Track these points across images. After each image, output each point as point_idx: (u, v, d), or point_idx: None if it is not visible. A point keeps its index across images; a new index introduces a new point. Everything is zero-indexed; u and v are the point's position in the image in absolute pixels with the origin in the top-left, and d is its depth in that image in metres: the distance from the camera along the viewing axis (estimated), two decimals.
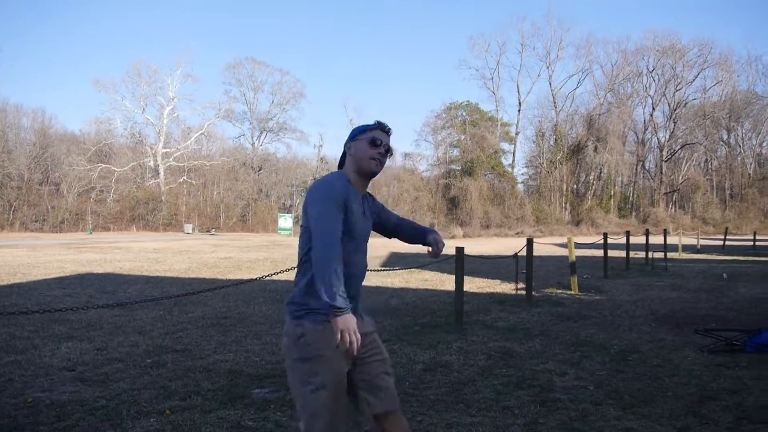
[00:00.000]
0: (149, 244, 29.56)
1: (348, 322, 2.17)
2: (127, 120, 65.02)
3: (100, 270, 14.93)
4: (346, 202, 2.33)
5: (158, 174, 61.57)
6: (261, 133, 71.67)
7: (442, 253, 2.72)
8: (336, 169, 2.56)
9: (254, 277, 5.62)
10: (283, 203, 67.64)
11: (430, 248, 2.68)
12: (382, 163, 2.47)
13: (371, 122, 2.54)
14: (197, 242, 33.18)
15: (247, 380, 4.86)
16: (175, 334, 6.82)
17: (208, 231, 54.43)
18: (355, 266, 2.42)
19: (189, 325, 7.39)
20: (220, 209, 62.93)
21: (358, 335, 2.19)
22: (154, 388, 4.61)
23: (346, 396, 2.38)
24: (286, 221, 52.22)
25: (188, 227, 53.28)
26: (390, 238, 2.84)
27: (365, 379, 2.42)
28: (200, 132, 66.13)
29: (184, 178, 61.79)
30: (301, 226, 2.48)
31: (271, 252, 23.96)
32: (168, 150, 63.22)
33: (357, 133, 2.49)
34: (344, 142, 2.54)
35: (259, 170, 68.04)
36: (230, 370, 5.20)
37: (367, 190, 2.60)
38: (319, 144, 74.27)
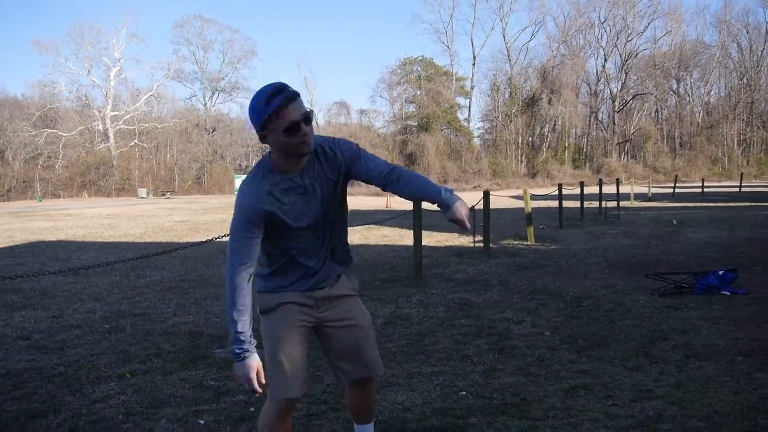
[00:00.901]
0: (102, 210, 28.92)
1: (243, 368, 2.12)
2: (72, 83, 62.91)
3: (51, 238, 14.57)
4: (261, 213, 2.08)
5: (108, 138, 59.84)
6: (213, 93, 70.13)
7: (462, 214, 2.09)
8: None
9: (210, 238, 5.55)
10: (239, 164, 66.66)
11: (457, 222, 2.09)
12: (310, 142, 2.04)
13: (268, 86, 2.02)
14: (152, 206, 32.59)
15: (208, 341, 4.85)
16: (132, 298, 6.73)
17: (163, 195, 53.45)
18: (313, 254, 2.23)
19: (147, 289, 7.30)
20: (174, 172, 61.72)
21: (257, 380, 2.14)
22: (113, 353, 4.57)
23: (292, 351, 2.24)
24: None
25: (142, 191, 52.25)
26: (384, 191, 2.39)
27: (335, 346, 2.35)
28: (150, 93, 64.29)
29: (136, 141, 60.24)
30: None
31: (228, 213, 23.64)
32: (117, 113, 61.36)
33: (263, 120, 2.00)
34: (252, 129, 2.12)
35: (213, 131, 66.69)
36: (191, 331, 5.17)
37: (321, 144, 2.18)
38: None
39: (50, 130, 56.12)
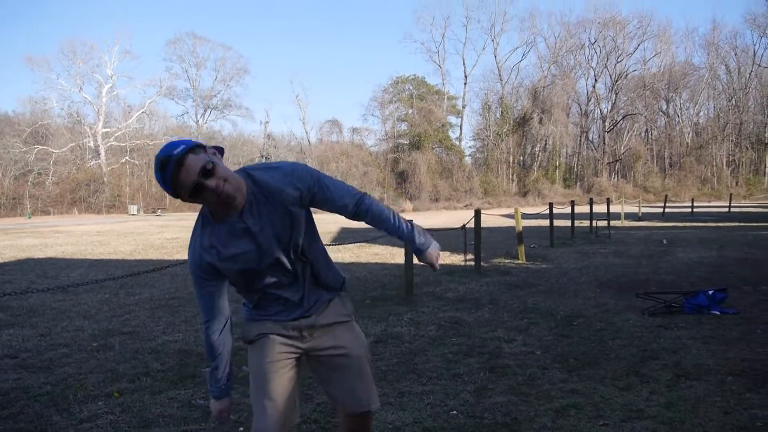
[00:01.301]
0: (92, 227, 28.76)
1: (213, 405, 2.25)
2: (64, 99, 62.71)
3: (40, 255, 14.47)
4: (206, 265, 2.03)
5: (99, 155, 59.65)
6: (205, 110, 70.12)
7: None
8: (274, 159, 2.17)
9: None
10: None
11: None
12: (220, 195, 1.88)
13: (158, 154, 1.88)
14: (143, 223, 32.46)
15: (197, 359, 4.81)
16: (121, 316, 6.68)
17: (154, 212, 53.22)
18: (289, 287, 2.14)
19: (136, 307, 7.25)
20: None
21: (222, 418, 2.26)
22: (102, 372, 4.52)
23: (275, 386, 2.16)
24: None
25: (133, 208, 52.02)
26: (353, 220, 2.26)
27: (324, 376, 2.27)
28: (141, 110, 64.25)
29: (127, 158, 60.06)
30: None
31: None
32: (108, 130, 61.23)
33: (170, 190, 1.89)
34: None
35: None
36: (180, 350, 5.14)
37: (260, 180, 2.01)
38: (266, 121, 73.13)
39: (41, 147, 55.88)
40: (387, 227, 2.19)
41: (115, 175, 58.91)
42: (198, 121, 69.68)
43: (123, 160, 59.95)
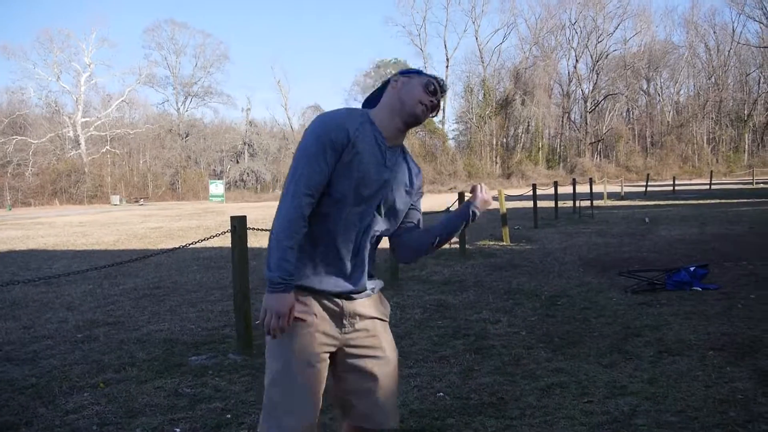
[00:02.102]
0: (74, 218, 28.48)
1: (282, 300, 1.75)
2: (42, 89, 62.00)
3: (22, 247, 14.31)
4: (343, 144, 1.80)
5: (79, 144, 58.99)
6: (186, 98, 69.54)
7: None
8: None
9: (184, 244, 5.50)
10: (214, 169, 66.18)
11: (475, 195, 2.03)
12: (427, 115, 1.93)
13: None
14: (125, 213, 32.19)
15: (183, 348, 4.80)
16: (106, 307, 6.64)
17: (137, 201, 52.82)
18: (349, 247, 1.89)
19: (121, 297, 7.21)
20: (147, 178, 61.05)
21: (284, 321, 1.77)
22: (87, 363, 4.49)
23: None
24: (217, 188, 51.36)
25: (115, 198, 51.57)
26: (392, 236, 2.06)
27: (351, 378, 1.98)
28: (121, 99, 63.59)
29: (108, 147, 59.46)
30: None
31: (203, 219, 23.51)
32: (88, 119, 60.54)
33: (412, 72, 1.97)
34: (389, 77, 2.00)
35: (186, 137, 66.15)
36: (165, 339, 5.12)
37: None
38: (247, 107, 72.94)
39: (19, 138, 55.14)
40: (450, 231, 2.05)
41: (96, 165, 58.31)
42: (179, 108, 69.16)
43: (104, 150, 59.35)
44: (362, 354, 1.95)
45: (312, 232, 1.84)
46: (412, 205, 2.04)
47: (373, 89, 2.08)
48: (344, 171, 1.81)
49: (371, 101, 2.05)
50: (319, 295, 1.88)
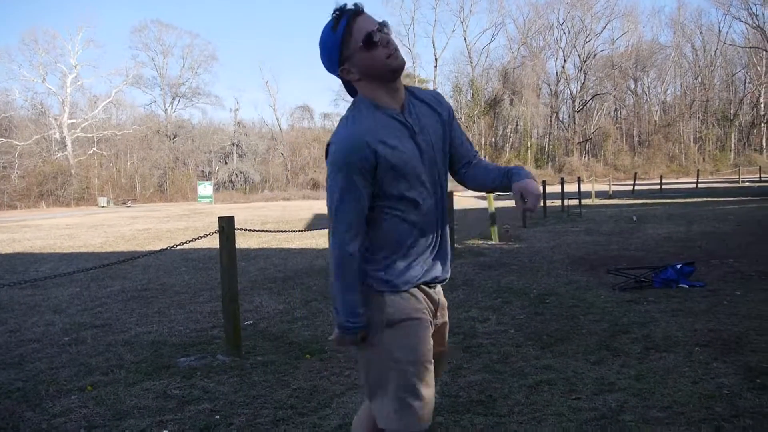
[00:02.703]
0: (61, 220, 28.26)
1: (347, 341, 1.84)
2: (27, 90, 61.55)
3: (8, 250, 14.19)
4: (370, 161, 1.72)
5: (65, 146, 58.51)
6: (173, 99, 69.11)
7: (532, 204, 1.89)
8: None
9: (172, 245, 5.47)
10: (202, 170, 65.85)
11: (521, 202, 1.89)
12: (395, 54, 1.76)
13: (329, 18, 1.79)
14: (113, 215, 31.98)
15: (171, 350, 4.77)
16: (93, 309, 6.60)
17: (124, 203, 52.44)
18: (431, 226, 1.86)
19: (108, 299, 7.16)
20: (135, 180, 60.65)
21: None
22: (74, 366, 4.47)
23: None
24: (205, 189, 51.14)
25: (102, 200, 51.16)
26: (456, 175, 2.04)
27: None
28: (108, 100, 63.12)
29: (94, 149, 59.02)
30: None
31: (191, 221, 23.40)
32: (74, 121, 60.06)
33: (338, 46, 1.77)
34: (332, 71, 1.85)
35: (174, 138, 65.78)
36: (154, 341, 5.09)
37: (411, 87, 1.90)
38: (236, 108, 72.62)
39: (4, 140, 54.58)
40: (497, 176, 1.95)
41: (83, 166, 57.87)
42: (166, 109, 68.77)
43: (90, 152, 58.91)
44: (436, 344, 1.95)
45: (395, 234, 1.82)
46: (457, 140, 1.97)
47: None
48: (389, 174, 1.76)
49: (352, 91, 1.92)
50: (422, 289, 1.88)
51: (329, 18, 1.78)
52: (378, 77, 1.79)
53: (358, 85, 1.83)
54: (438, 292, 1.96)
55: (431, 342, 1.88)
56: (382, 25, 1.77)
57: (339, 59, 1.79)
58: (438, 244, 1.90)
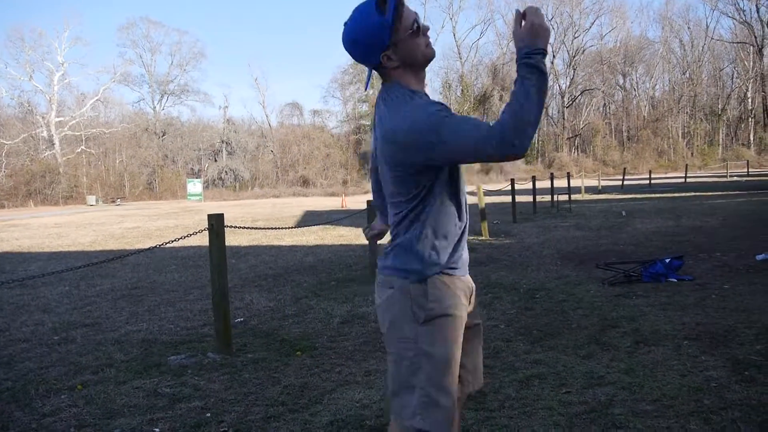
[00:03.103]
0: (49, 219, 28.07)
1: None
2: (14, 88, 61.35)
3: None
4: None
5: (53, 145, 58.13)
6: (162, 96, 68.83)
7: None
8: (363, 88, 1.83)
9: (162, 243, 5.44)
10: (191, 168, 65.60)
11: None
12: (429, 44, 1.81)
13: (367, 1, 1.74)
14: (102, 214, 31.80)
15: (162, 348, 4.76)
16: (83, 308, 6.56)
17: (113, 201, 52.18)
18: (460, 207, 1.88)
19: (98, 298, 7.13)
20: (124, 178, 60.34)
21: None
22: (64, 365, 4.44)
23: None
24: (195, 186, 50.96)
25: (91, 199, 50.88)
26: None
27: (465, 348, 1.94)
28: (96, 98, 62.73)
29: (83, 147, 58.67)
30: (395, 168, 1.77)
31: (181, 219, 23.30)
32: (62, 119, 59.66)
33: (390, 28, 1.70)
34: (367, 57, 1.76)
35: (163, 135, 65.48)
36: (144, 339, 5.07)
37: None
38: (225, 105, 72.31)
39: None
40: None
41: (71, 165, 57.50)
42: (155, 107, 68.41)
43: (79, 150, 58.56)
44: (470, 325, 1.97)
45: (447, 216, 1.82)
46: None
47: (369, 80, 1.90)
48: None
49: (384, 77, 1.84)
50: (462, 279, 1.88)
51: (365, 3, 1.71)
52: (414, 65, 1.78)
53: (393, 72, 1.78)
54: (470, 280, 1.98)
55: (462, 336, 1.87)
56: (424, 25, 1.77)
57: (385, 45, 1.72)
58: (465, 226, 1.92)
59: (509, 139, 1.54)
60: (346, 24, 1.76)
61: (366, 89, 1.78)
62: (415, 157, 1.69)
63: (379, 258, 1.93)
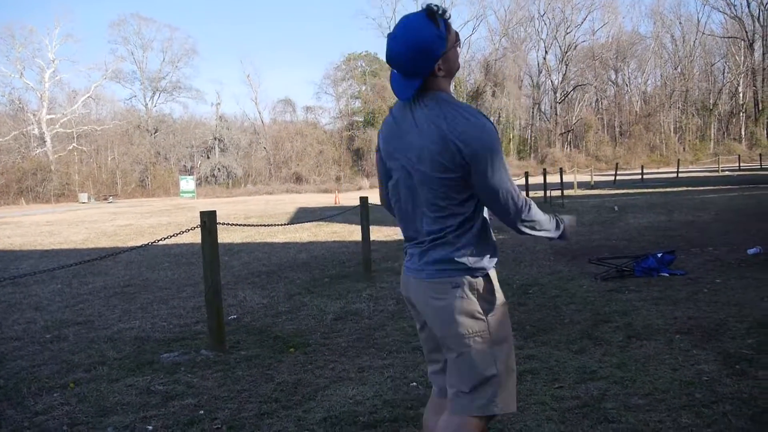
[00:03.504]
0: (41, 217, 27.93)
1: (569, 234, 2.10)
2: (4, 86, 60.68)
3: None
4: None
5: (45, 142, 57.74)
6: (154, 93, 68.40)
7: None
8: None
9: (153, 241, 5.42)
10: (184, 165, 65.32)
11: None
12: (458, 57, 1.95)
13: (424, 12, 1.81)
14: (94, 211, 31.66)
15: (155, 345, 4.75)
16: (75, 306, 6.54)
17: (106, 199, 51.92)
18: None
19: (90, 296, 7.10)
20: (116, 176, 60.02)
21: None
22: (56, 363, 4.43)
23: None
24: (188, 183, 50.75)
25: (83, 196, 50.61)
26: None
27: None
28: (87, 95, 62.30)
29: (74, 144, 58.29)
30: (455, 170, 1.82)
31: (174, 216, 23.22)
32: (53, 116, 59.24)
33: (443, 42, 1.79)
34: (421, 66, 1.79)
35: (155, 132, 65.16)
36: (136, 337, 5.06)
37: None
38: (217, 102, 72.05)
39: None
40: None
41: (62, 162, 57.13)
42: (147, 104, 68.06)
43: (70, 147, 58.17)
44: None
45: (482, 223, 1.99)
46: None
47: (411, 81, 1.86)
48: None
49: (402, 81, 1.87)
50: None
51: (420, 12, 1.81)
52: (452, 75, 1.91)
53: (437, 81, 1.86)
54: None
55: None
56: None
57: (439, 55, 1.80)
58: None
59: (522, 217, 1.91)
60: (394, 35, 1.81)
61: (410, 96, 1.80)
62: (475, 163, 1.80)
63: (422, 261, 1.99)
